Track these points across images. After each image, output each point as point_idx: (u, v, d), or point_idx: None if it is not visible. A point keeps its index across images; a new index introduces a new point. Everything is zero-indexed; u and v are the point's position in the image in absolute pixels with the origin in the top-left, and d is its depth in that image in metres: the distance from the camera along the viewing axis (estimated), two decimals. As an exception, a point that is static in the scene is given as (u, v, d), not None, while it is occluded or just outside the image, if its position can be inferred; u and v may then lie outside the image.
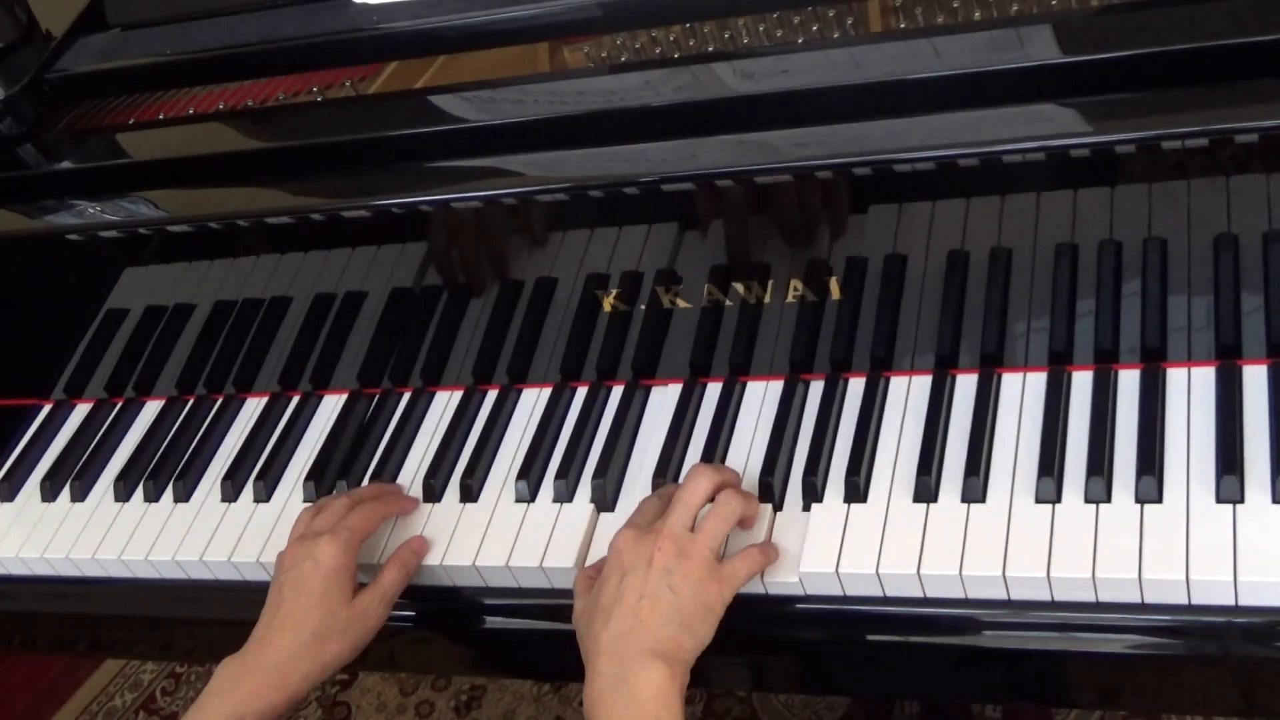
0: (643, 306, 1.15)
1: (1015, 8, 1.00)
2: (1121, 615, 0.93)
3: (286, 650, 1.01)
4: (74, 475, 1.31)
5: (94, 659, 2.26)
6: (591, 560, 1.07)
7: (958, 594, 0.96)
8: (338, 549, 1.04)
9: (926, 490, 1.01)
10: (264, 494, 1.23)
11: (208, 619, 1.22)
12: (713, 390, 1.16)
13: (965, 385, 1.07)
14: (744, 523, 1.02)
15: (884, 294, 1.07)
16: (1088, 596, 0.93)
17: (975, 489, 1.00)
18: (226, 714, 0.98)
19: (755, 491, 1.05)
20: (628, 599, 0.93)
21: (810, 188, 1.03)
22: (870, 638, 1.01)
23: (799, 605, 1.01)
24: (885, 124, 0.98)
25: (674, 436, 1.13)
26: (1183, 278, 0.99)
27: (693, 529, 0.98)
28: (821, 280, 1.08)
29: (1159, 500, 0.95)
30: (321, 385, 1.31)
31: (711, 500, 1.01)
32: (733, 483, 1.03)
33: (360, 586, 1.07)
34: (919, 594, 0.97)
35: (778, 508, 1.05)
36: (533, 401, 1.22)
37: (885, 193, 1.03)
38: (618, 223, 1.12)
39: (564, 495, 1.12)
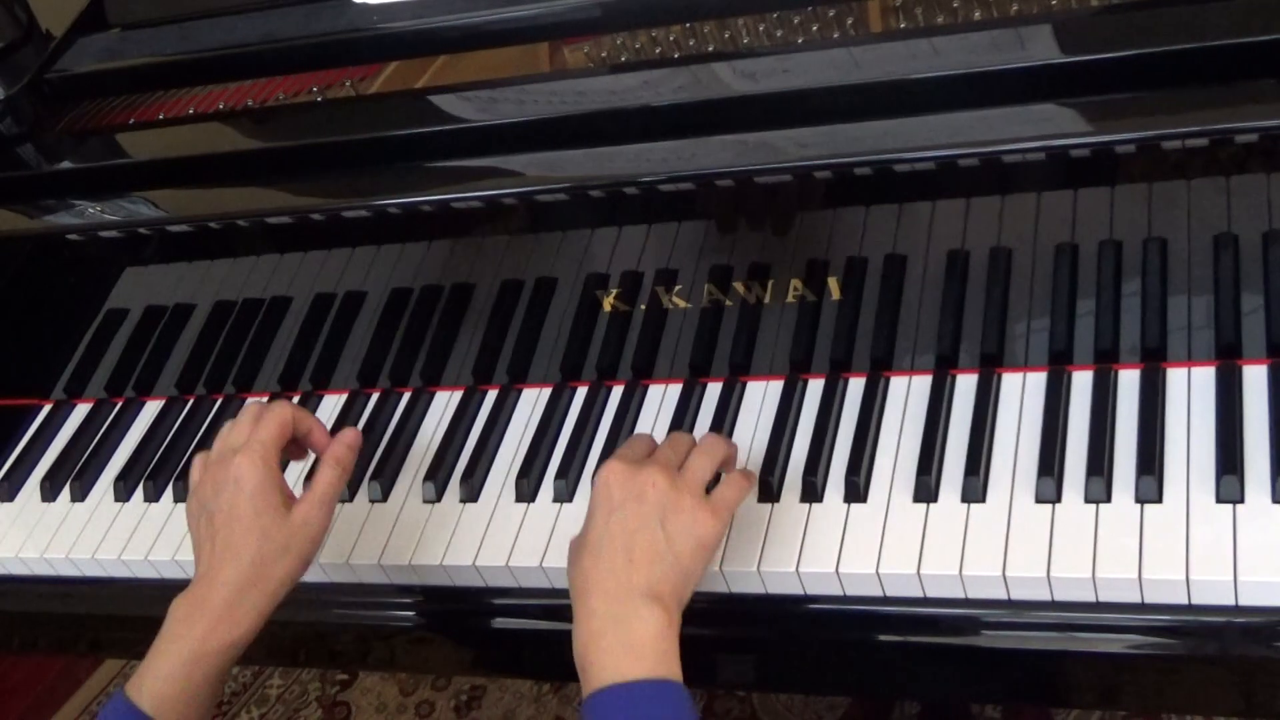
0: (643, 306, 1.15)
1: (1015, 8, 1.00)
2: (1121, 615, 0.93)
3: (231, 583, 0.96)
4: (74, 475, 1.31)
5: (94, 659, 2.26)
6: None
7: (958, 594, 0.96)
8: (255, 464, 0.98)
9: (926, 490, 1.01)
10: (264, 494, 1.22)
11: (208, 619, 1.22)
12: (713, 390, 1.16)
13: (965, 385, 1.07)
14: (725, 465, 1.01)
15: (884, 294, 1.07)
16: (1088, 596, 0.93)
17: (975, 489, 1.00)
18: (184, 658, 0.95)
19: (755, 491, 1.05)
20: (618, 536, 0.91)
21: (810, 188, 1.03)
22: (870, 638, 1.01)
23: (799, 605, 1.01)
24: (885, 124, 0.98)
25: (674, 436, 1.13)
26: (1183, 278, 0.99)
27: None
28: (821, 280, 1.08)
29: (1159, 500, 0.95)
30: (321, 385, 1.31)
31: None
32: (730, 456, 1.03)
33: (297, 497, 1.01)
34: (919, 594, 0.97)
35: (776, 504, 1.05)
36: (533, 401, 1.22)
37: (885, 193, 1.03)
38: (618, 223, 1.12)
39: (564, 495, 1.12)
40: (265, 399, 1.32)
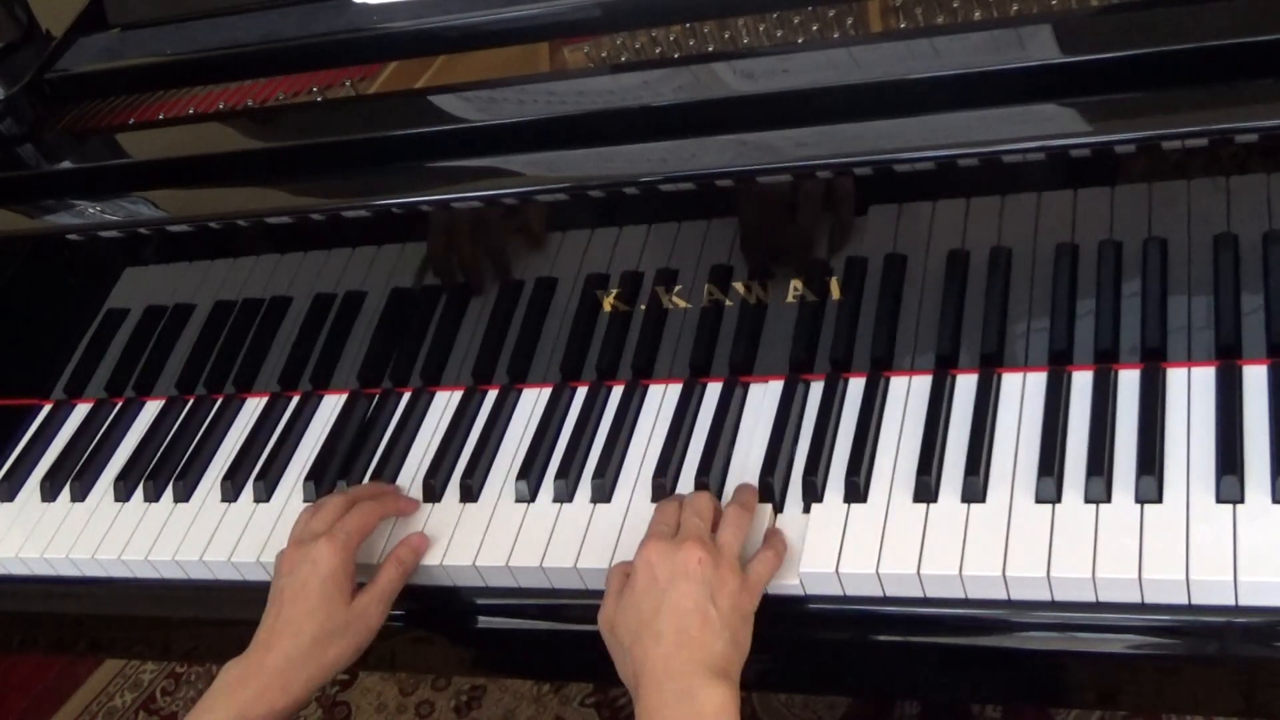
0: (643, 306, 1.15)
1: (1015, 8, 1.00)
2: (1121, 615, 0.93)
3: (287, 655, 1.01)
4: (74, 475, 1.31)
5: (94, 659, 2.26)
6: (590, 558, 1.06)
7: (958, 594, 0.96)
8: (334, 551, 1.05)
9: (926, 490, 1.01)
10: (264, 494, 1.23)
11: (208, 619, 1.22)
12: (713, 390, 1.16)
13: (965, 385, 1.07)
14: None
15: (884, 294, 1.07)
16: (1088, 596, 0.93)
17: (975, 489, 1.00)
18: (231, 717, 0.99)
19: (755, 492, 1.05)
20: (674, 615, 0.93)
21: (810, 188, 1.03)
22: (870, 638, 1.01)
23: (799, 605, 1.01)
24: (885, 124, 0.98)
25: (674, 436, 1.13)
26: (1183, 278, 0.99)
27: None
28: (821, 280, 1.08)
29: (1159, 500, 0.95)
30: (321, 385, 1.31)
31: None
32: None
33: (359, 587, 1.07)
34: (919, 594, 0.97)
35: (778, 508, 1.05)
36: (533, 401, 1.22)
37: (885, 193, 1.03)
38: (618, 223, 1.12)
39: (564, 495, 1.12)
40: (264, 399, 1.31)
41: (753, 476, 1.07)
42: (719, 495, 1.08)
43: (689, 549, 0.95)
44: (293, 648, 1.01)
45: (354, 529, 1.07)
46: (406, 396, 1.26)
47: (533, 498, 1.13)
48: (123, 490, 1.28)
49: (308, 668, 1.02)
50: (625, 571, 1.00)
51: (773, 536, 1.02)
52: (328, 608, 1.03)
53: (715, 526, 1.01)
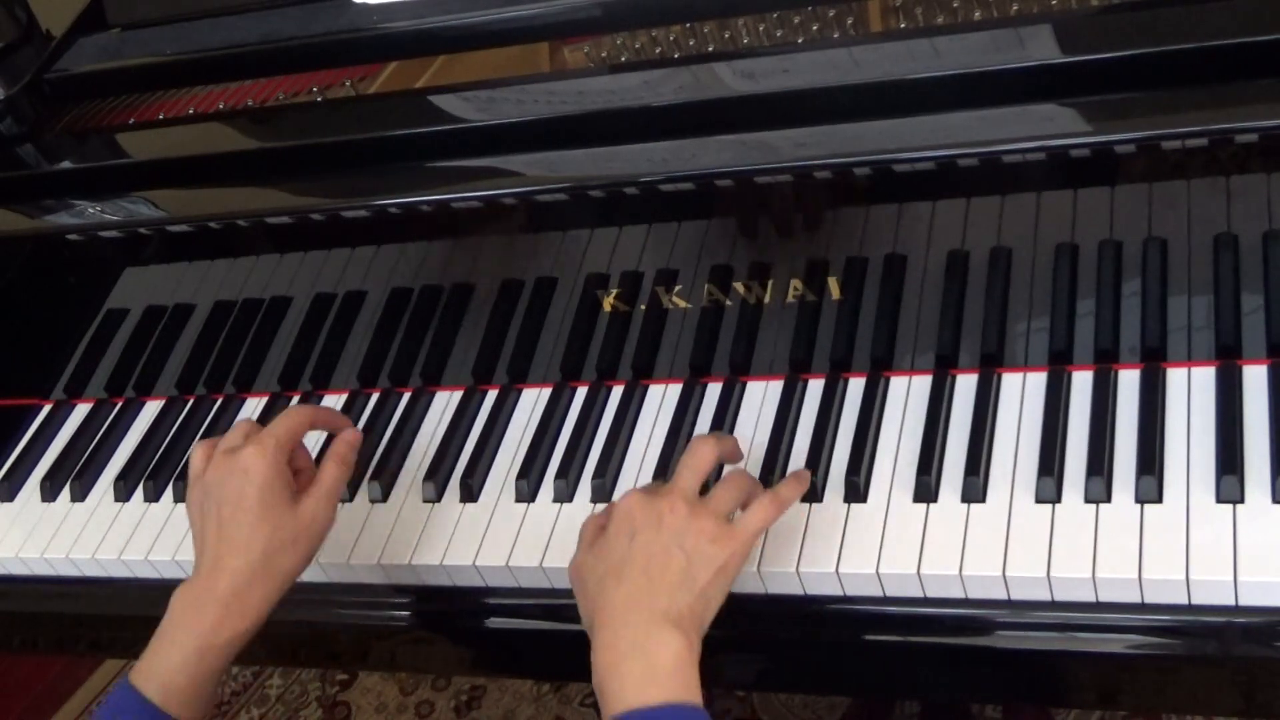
0: (643, 306, 1.15)
1: (1015, 8, 1.00)
2: (1121, 615, 0.93)
3: (240, 575, 0.96)
4: (74, 475, 1.31)
5: (94, 659, 2.26)
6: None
7: (958, 594, 0.96)
8: (266, 457, 0.99)
9: (926, 490, 1.01)
10: (264, 494, 1.22)
11: (208, 619, 1.22)
12: (713, 390, 1.16)
13: (965, 385, 1.07)
14: (746, 503, 0.99)
15: (884, 294, 1.07)
16: (1088, 596, 0.93)
17: (975, 489, 1.00)
18: (192, 648, 0.95)
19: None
20: (638, 559, 0.91)
21: (810, 187, 1.03)
22: (870, 638, 1.01)
23: (799, 605, 1.01)
24: (885, 124, 0.98)
25: (674, 436, 1.13)
26: (1183, 278, 0.99)
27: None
28: (821, 280, 1.08)
29: (1159, 500, 0.95)
30: (321, 385, 1.31)
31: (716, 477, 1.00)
32: (734, 453, 1.03)
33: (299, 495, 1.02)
34: (919, 594, 0.97)
35: (778, 508, 1.05)
36: (533, 401, 1.22)
37: (885, 193, 1.03)
38: (618, 223, 1.12)
39: (564, 495, 1.12)
40: (264, 399, 1.32)
41: (753, 476, 1.07)
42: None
43: (668, 499, 0.93)
44: (244, 565, 0.96)
45: (281, 432, 1.01)
46: (406, 396, 1.27)
47: (533, 498, 1.13)
48: (123, 490, 1.28)
49: (263, 584, 0.97)
50: (599, 524, 0.97)
51: (782, 485, 0.98)
52: (273, 518, 0.98)
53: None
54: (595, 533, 0.97)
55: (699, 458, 0.98)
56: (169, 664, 0.95)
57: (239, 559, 0.97)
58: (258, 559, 0.97)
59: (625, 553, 0.91)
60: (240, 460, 0.99)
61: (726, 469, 1.02)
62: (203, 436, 1.30)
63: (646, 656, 0.87)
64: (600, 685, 0.88)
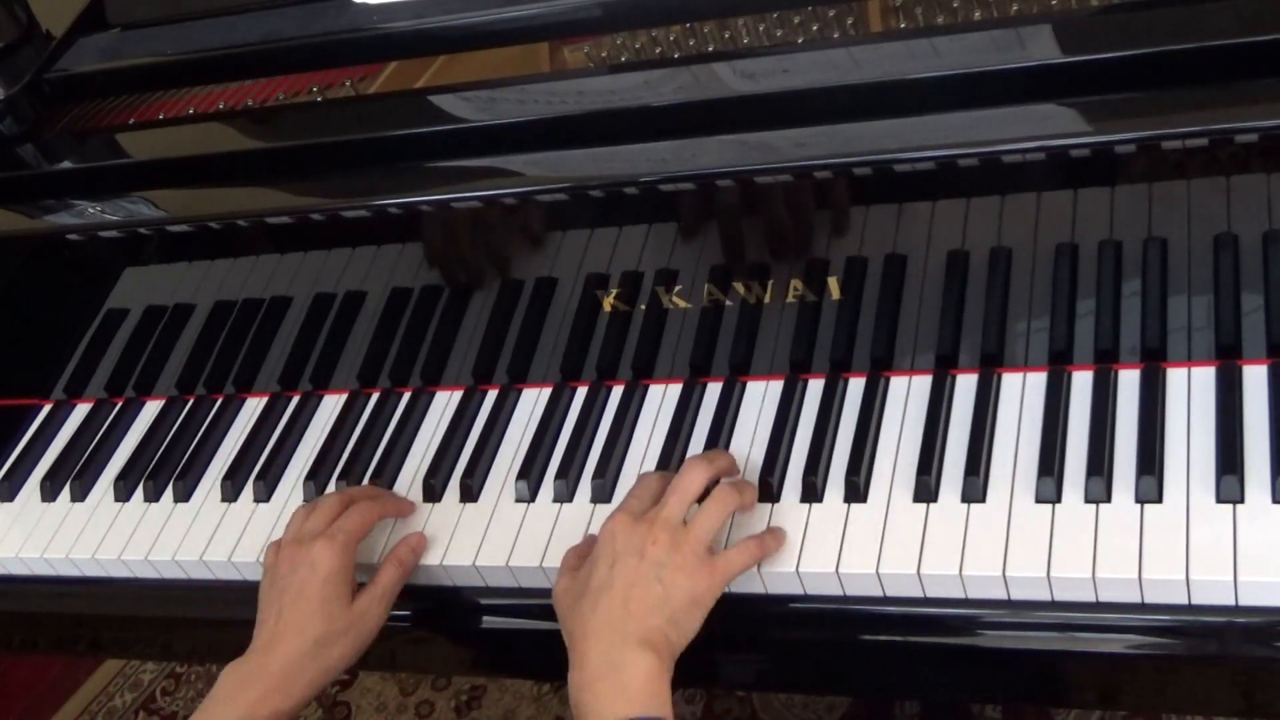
0: (643, 306, 1.15)
1: (1015, 8, 1.00)
2: (1121, 615, 0.93)
3: (290, 657, 1.01)
4: (74, 475, 1.31)
5: (94, 659, 2.26)
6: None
7: (958, 594, 0.96)
8: (334, 552, 1.04)
9: (926, 490, 1.01)
10: (264, 494, 1.23)
11: (208, 619, 1.22)
12: (713, 390, 1.16)
13: (965, 385, 1.07)
14: (743, 509, 1.02)
15: (884, 294, 1.07)
16: (1088, 596, 0.93)
17: (975, 489, 1.00)
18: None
19: (755, 491, 1.05)
20: (617, 586, 0.94)
21: (810, 188, 1.03)
22: (870, 638, 1.01)
23: (799, 605, 1.01)
24: (885, 124, 0.98)
25: (674, 436, 1.13)
26: (1183, 278, 0.99)
27: (687, 520, 0.98)
28: (821, 280, 1.08)
29: (1159, 500, 0.95)
30: (321, 385, 1.31)
31: (708, 493, 1.01)
32: (728, 471, 1.04)
33: (359, 587, 1.07)
34: (919, 594, 0.97)
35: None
36: (533, 401, 1.22)
37: (885, 193, 1.03)
38: (618, 223, 1.12)
39: (564, 495, 1.12)
40: (264, 399, 1.31)
41: (753, 476, 1.07)
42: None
43: (651, 529, 0.96)
44: (295, 650, 1.01)
45: (352, 529, 1.07)
46: (406, 396, 1.26)
47: (533, 498, 1.13)
48: (123, 490, 1.28)
49: (310, 670, 1.01)
50: (579, 552, 1.02)
51: (769, 532, 1.01)
52: (329, 609, 1.03)
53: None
54: (574, 559, 1.02)
55: (688, 483, 1.00)
56: None
57: (293, 642, 1.02)
58: (309, 645, 1.02)
59: (605, 579, 0.95)
60: (310, 553, 1.05)
61: (715, 490, 1.02)
62: (204, 437, 1.30)
63: (619, 674, 0.90)
64: (576, 702, 0.91)
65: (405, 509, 1.15)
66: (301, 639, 1.02)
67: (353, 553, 1.07)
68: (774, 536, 1.01)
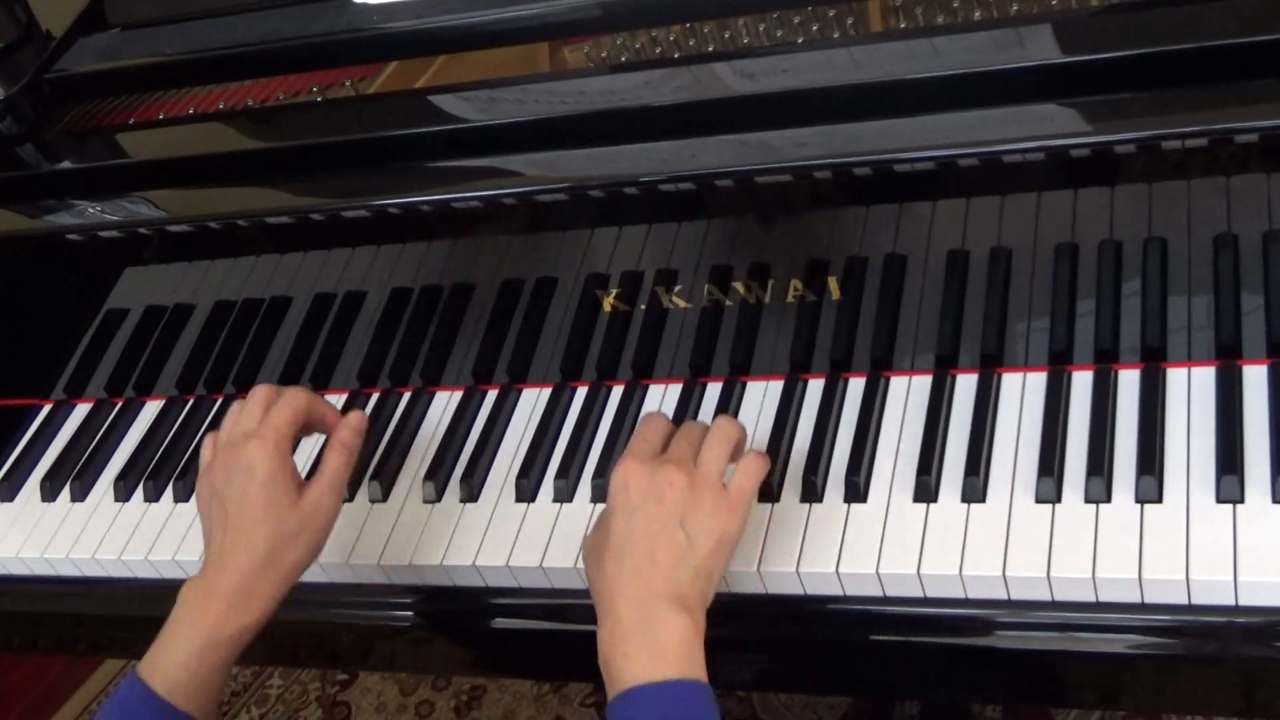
0: (643, 306, 1.15)
1: (1015, 8, 1.00)
2: (1121, 615, 0.93)
3: (245, 570, 0.97)
4: (74, 475, 1.31)
5: (94, 659, 2.26)
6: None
7: (958, 594, 0.96)
8: (269, 453, 0.99)
9: (926, 490, 1.01)
10: (264, 494, 1.22)
11: (208, 619, 1.22)
12: (713, 390, 1.16)
13: (965, 385, 1.07)
14: (736, 449, 1.00)
15: (884, 294, 1.07)
16: (1088, 596, 0.93)
17: (975, 489, 1.00)
18: (198, 644, 0.96)
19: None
20: (640, 538, 0.91)
21: (810, 187, 1.03)
22: (870, 638, 1.01)
23: (799, 605, 1.01)
24: (885, 124, 0.98)
25: (674, 436, 1.13)
26: (1183, 278, 0.99)
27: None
28: (821, 280, 1.08)
29: (1159, 500, 0.95)
30: (321, 385, 1.31)
31: None
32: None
33: (307, 481, 1.02)
34: (919, 594, 0.97)
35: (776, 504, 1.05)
36: (533, 401, 1.22)
37: (885, 193, 1.03)
38: (618, 223, 1.12)
39: (564, 495, 1.12)
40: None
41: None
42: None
43: (665, 472, 0.93)
44: (248, 561, 0.97)
45: (282, 424, 1.02)
46: (406, 396, 1.27)
47: (533, 498, 1.13)
48: (123, 490, 1.28)
49: (266, 578, 0.98)
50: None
51: (752, 450, 0.99)
52: (277, 512, 0.98)
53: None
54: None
55: (694, 428, 0.99)
56: (176, 658, 0.96)
57: (244, 554, 0.98)
58: (263, 554, 0.98)
59: (626, 530, 0.92)
60: (243, 456, 1.00)
61: (714, 421, 1.01)
62: (204, 437, 1.30)
63: (652, 635, 0.87)
64: (606, 663, 0.88)
65: (333, 415, 1.08)
66: (252, 550, 0.97)
67: (288, 447, 1.01)
68: (758, 454, 0.98)
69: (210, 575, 0.98)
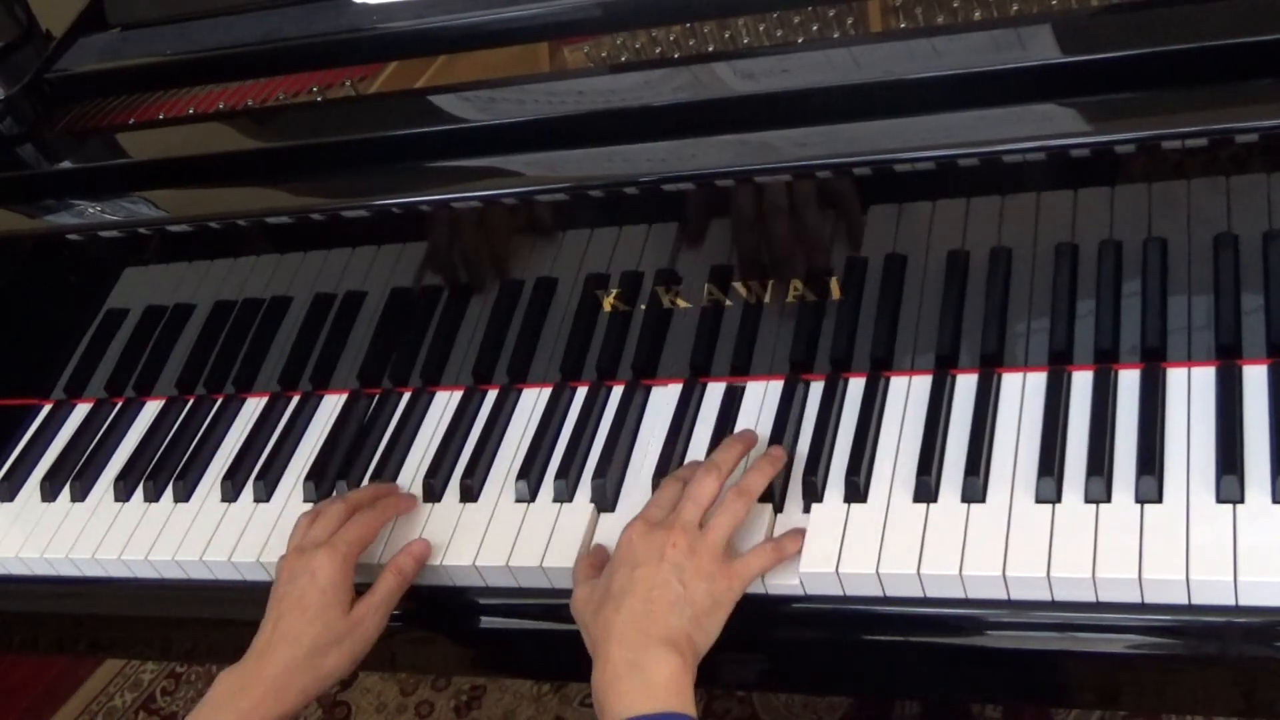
0: (643, 306, 1.15)
1: (1015, 8, 1.00)
2: (1121, 615, 0.93)
3: (284, 664, 1.01)
4: (74, 475, 1.31)
5: (94, 659, 2.26)
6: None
7: (958, 594, 0.96)
8: (335, 563, 1.05)
9: (926, 490, 1.01)
10: (264, 494, 1.23)
11: (208, 619, 1.22)
12: (713, 390, 1.16)
13: (965, 385, 1.07)
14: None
15: (884, 294, 1.07)
16: (1088, 596, 0.93)
17: (975, 489, 1.00)
18: None
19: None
20: (639, 588, 0.94)
21: (810, 188, 1.03)
22: (870, 638, 1.01)
23: (799, 605, 1.01)
24: (885, 124, 0.98)
25: (674, 436, 1.13)
26: (1183, 278, 0.99)
27: (701, 524, 0.99)
28: (821, 280, 1.08)
29: (1159, 500, 0.95)
30: (321, 385, 1.31)
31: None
32: (737, 461, 1.05)
33: (358, 595, 1.07)
34: (919, 594, 0.97)
35: (778, 508, 1.05)
36: (533, 401, 1.22)
37: (885, 193, 1.03)
38: (618, 223, 1.12)
39: (564, 495, 1.12)
40: (264, 399, 1.31)
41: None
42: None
43: (669, 533, 0.97)
44: (289, 657, 1.02)
45: (353, 539, 1.08)
46: (406, 396, 1.26)
47: (533, 498, 1.13)
48: (123, 490, 1.28)
49: (304, 677, 1.02)
50: (590, 563, 1.03)
51: (787, 535, 1.02)
52: (325, 617, 1.03)
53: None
54: (587, 570, 1.02)
55: (700, 491, 1.01)
56: None
57: (287, 650, 1.02)
58: (304, 653, 1.02)
59: (626, 582, 0.96)
60: (311, 562, 1.05)
61: (726, 492, 1.02)
62: (204, 437, 1.30)
63: (643, 673, 0.91)
64: (600, 703, 0.92)
65: (406, 505, 1.15)
66: (296, 647, 1.02)
67: (353, 562, 1.07)
68: (791, 540, 1.01)
69: (249, 664, 1.03)
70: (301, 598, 1.04)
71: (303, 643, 1.02)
